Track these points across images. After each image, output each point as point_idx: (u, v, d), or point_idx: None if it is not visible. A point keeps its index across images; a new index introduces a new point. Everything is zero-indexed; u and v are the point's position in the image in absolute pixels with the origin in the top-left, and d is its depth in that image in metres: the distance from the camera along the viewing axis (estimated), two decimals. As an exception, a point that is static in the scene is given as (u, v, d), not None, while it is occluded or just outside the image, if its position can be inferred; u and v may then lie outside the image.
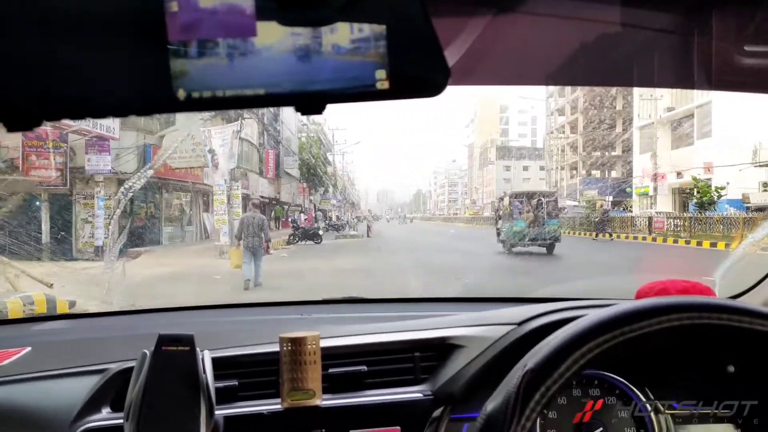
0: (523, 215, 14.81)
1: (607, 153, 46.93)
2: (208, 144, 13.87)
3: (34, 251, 13.83)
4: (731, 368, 0.85)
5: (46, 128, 13.51)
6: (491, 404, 0.71)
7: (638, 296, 1.12)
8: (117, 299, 7.55)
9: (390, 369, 1.08)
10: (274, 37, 0.42)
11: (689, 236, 18.62)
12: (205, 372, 0.87)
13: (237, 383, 1.01)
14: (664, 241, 19.33)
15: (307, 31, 0.42)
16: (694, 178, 22.40)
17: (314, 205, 36.07)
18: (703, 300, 0.75)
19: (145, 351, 0.87)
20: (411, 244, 19.99)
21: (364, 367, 1.06)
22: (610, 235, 21.04)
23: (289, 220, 24.81)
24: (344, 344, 1.11)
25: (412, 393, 1.04)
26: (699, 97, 24.48)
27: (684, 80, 1.18)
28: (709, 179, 22.47)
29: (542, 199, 15.56)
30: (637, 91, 28.69)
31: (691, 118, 26.91)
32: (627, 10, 1.05)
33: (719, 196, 20.66)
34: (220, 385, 0.99)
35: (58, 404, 0.97)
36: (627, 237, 22.67)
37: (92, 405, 0.96)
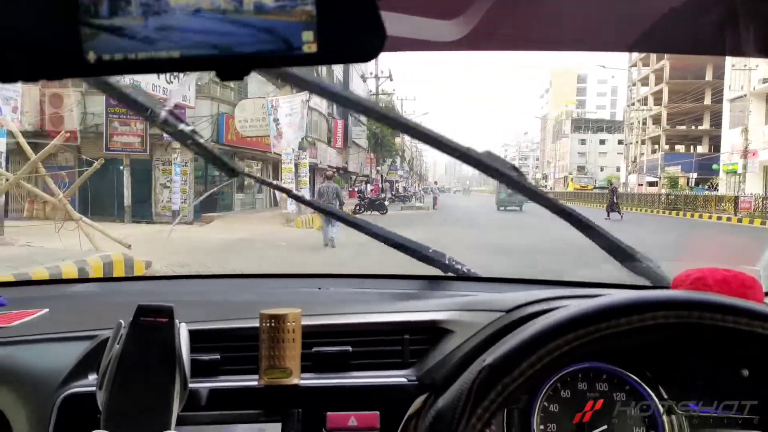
0: (505, 190, 23.37)
1: (693, 127, 44.03)
2: (273, 113, 14.14)
3: (116, 213, 14.78)
4: (745, 372, 0.76)
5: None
6: (443, 400, 0.67)
7: (674, 284, 1.04)
8: (190, 261, 7.95)
9: (378, 351, 1.04)
10: None
11: (780, 218, 17.30)
12: (180, 344, 0.86)
13: (219, 357, 1.00)
14: (751, 222, 18.07)
15: None
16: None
17: (381, 175, 36.22)
18: (690, 296, 0.67)
19: (121, 321, 0.87)
20: (475, 220, 19.76)
21: (348, 348, 1.02)
22: (620, 213, 20.59)
23: (356, 190, 25.07)
24: (331, 323, 1.07)
25: (397, 377, 1.00)
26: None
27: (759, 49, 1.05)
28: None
29: None
30: (729, 60, 26.56)
31: (791, 89, 24.67)
32: None
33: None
34: (205, 357, 0.99)
35: (51, 367, 0.98)
36: (710, 217, 21.40)
37: (79, 370, 0.97)
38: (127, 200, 14.78)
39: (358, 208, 19.96)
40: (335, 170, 19.95)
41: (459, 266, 1.40)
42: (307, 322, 1.01)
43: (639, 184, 43.13)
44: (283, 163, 15.36)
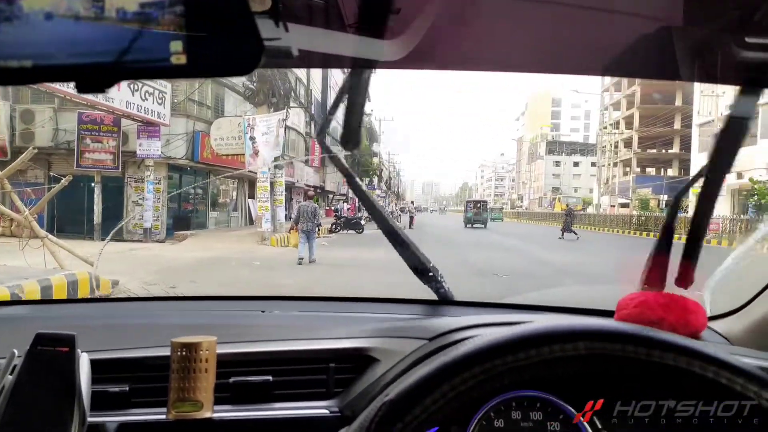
0: (472, 210, 32.47)
1: (663, 150, 45.07)
2: (249, 132, 14.10)
3: (86, 231, 14.44)
4: (671, 403, 0.76)
5: (101, 113, 14.01)
6: None
7: (618, 307, 1.04)
8: (158, 280, 7.79)
9: (302, 380, 1.00)
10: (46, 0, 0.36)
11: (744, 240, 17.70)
12: (80, 376, 0.80)
13: (128, 388, 0.95)
14: (719, 243, 18.46)
15: None
16: (752, 180, 21.28)
17: (358, 195, 36.12)
18: (599, 327, 0.66)
19: (14, 350, 0.81)
20: (451, 239, 19.96)
21: (269, 378, 0.97)
22: (576, 234, 21.29)
23: (333, 209, 24.99)
24: (253, 350, 1.02)
25: (318, 409, 0.96)
26: (766, 94, 23.07)
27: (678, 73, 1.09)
28: (770, 181, 21.32)
29: (480, 203, 34.50)
30: (698, 86, 27.35)
31: (756, 116, 25.46)
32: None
33: (779, 199, 19.59)
34: (114, 389, 0.94)
35: None
36: (680, 238, 21.78)
37: None
38: (98, 218, 14.47)
39: (334, 227, 19.86)
40: (315, 189, 19.91)
41: (443, 285, 1.32)
42: (228, 350, 0.96)
43: (611, 206, 43.84)
44: (259, 181, 15.25)
